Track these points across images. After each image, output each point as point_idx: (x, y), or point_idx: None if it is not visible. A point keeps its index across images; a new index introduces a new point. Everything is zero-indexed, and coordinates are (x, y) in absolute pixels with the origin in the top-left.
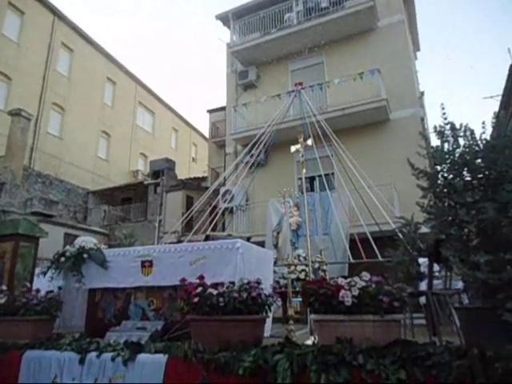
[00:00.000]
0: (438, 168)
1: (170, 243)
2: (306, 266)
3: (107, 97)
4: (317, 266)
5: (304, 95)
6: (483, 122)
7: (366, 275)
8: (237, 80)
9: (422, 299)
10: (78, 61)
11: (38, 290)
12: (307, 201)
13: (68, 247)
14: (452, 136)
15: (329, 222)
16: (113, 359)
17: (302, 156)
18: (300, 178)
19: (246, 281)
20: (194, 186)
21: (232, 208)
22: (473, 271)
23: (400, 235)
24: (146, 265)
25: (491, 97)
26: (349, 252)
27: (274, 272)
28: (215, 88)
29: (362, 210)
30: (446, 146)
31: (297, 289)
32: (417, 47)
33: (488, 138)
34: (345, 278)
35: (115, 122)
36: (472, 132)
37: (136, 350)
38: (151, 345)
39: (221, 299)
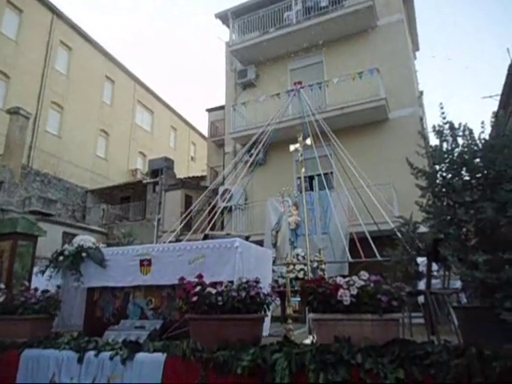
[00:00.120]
0: (437, 167)
1: (168, 242)
2: (305, 265)
3: (106, 95)
4: (315, 265)
5: (303, 94)
6: (482, 122)
7: (364, 274)
8: (236, 79)
9: (421, 298)
10: (76, 59)
11: (36, 289)
12: (306, 200)
13: (66, 246)
14: (451, 135)
15: (328, 221)
16: (111, 358)
17: (301, 155)
18: (299, 177)
19: (244, 280)
20: (193, 185)
21: (231, 207)
22: (471, 270)
23: (399, 234)
24: (145, 264)
25: (490, 96)
26: (347, 251)
27: (273, 271)
28: (214, 87)
29: (360, 209)
30: (444, 145)
31: (295, 288)
32: (416, 47)
33: (487, 137)
34: (344, 277)
35: (114, 121)
36: (471, 131)
37: (134, 348)
38: (150, 344)
39: (219, 298)
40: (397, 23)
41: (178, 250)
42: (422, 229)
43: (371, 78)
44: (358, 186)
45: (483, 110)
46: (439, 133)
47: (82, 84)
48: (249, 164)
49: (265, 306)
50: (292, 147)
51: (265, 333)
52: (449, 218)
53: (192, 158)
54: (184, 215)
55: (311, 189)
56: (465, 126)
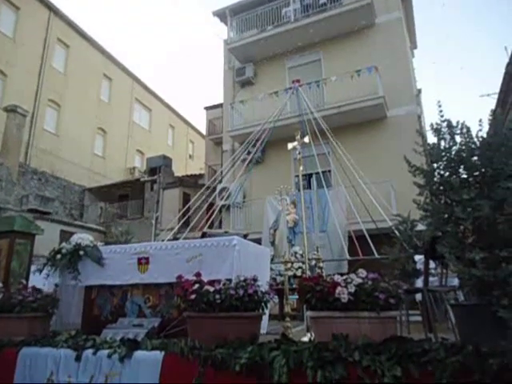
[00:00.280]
0: (435, 165)
1: (166, 240)
2: (303, 263)
3: (104, 93)
4: (313, 263)
5: (301, 92)
6: (480, 120)
7: (362, 272)
8: (234, 77)
9: (418, 296)
10: (74, 57)
11: (34, 288)
12: (304, 198)
13: (64, 244)
14: (448, 133)
15: (326, 219)
16: (109, 356)
17: (299, 153)
18: (297, 176)
19: (242, 278)
20: (191, 183)
21: (229, 205)
22: (468, 268)
23: (396, 233)
24: (143, 262)
25: (488, 95)
26: (346, 249)
27: (271, 269)
28: (212, 85)
29: (358, 207)
30: (442, 143)
31: (293, 286)
32: (414, 45)
33: (485, 135)
34: (343, 275)
35: (112, 119)
36: (468, 129)
37: (132, 347)
38: (148, 342)
39: (217, 296)
40: (395, 21)
41: (175, 248)
42: (420, 227)
43: (369, 76)
44: (356, 184)
45: (481, 108)
46: (437, 131)
47: (79, 82)
48: (247, 162)
49: (263, 304)
50: (290, 145)
51: (263, 330)
52: (446, 215)
53: (190, 156)
54: (181, 213)
55: (309, 187)
56: (462, 124)
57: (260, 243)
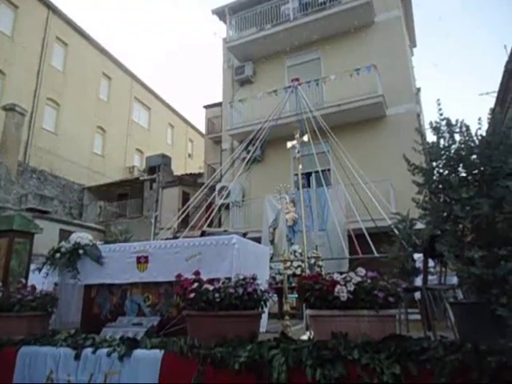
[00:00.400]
0: (434, 164)
1: (165, 239)
2: (302, 261)
3: (102, 92)
4: (313, 261)
5: (300, 91)
6: (479, 118)
7: (361, 271)
8: (233, 75)
9: (417, 294)
10: (73, 56)
11: (33, 286)
12: (303, 197)
13: (63, 243)
14: (448, 132)
15: (325, 218)
16: (109, 355)
17: (299, 152)
18: (296, 174)
19: (241, 276)
20: (190, 182)
21: (228, 204)
22: (467, 266)
23: (396, 231)
24: (142, 261)
25: (487, 93)
26: (345, 247)
27: (270, 268)
28: (212, 84)
29: (358, 206)
30: (441, 141)
31: (293, 284)
32: (413, 43)
33: (484, 134)
34: (342, 273)
35: (111, 118)
36: (468, 128)
37: (132, 345)
38: (147, 340)
39: (217, 295)
40: (394, 19)
41: (175, 247)
42: (419, 225)
43: (368, 74)
44: (356, 183)
45: (480, 106)
46: (436, 129)
47: (78, 80)
48: (246, 161)
49: (262, 303)
50: (289, 144)
51: (262, 329)
52: (445, 214)
53: (189, 155)
54: (181, 212)
55: (309, 185)
56: (462, 122)
57: (259, 242)
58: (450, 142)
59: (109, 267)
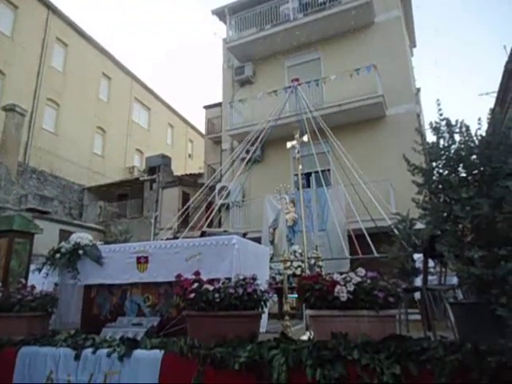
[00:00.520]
0: (434, 164)
1: (166, 239)
2: (302, 262)
3: (102, 92)
4: (313, 261)
5: (300, 91)
6: (479, 119)
7: (361, 271)
8: (233, 76)
9: (417, 294)
10: (72, 56)
11: (33, 287)
12: (303, 197)
13: (63, 243)
14: (447, 132)
15: (325, 218)
16: (108, 355)
17: (298, 152)
18: (296, 174)
19: (241, 277)
20: (190, 182)
21: (228, 204)
22: (467, 267)
23: (396, 231)
24: (142, 261)
25: (487, 93)
26: (345, 248)
27: (270, 268)
28: (211, 84)
29: (358, 206)
30: (441, 142)
31: (293, 285)
32: (413, 43)
33: (483, 134)
34: (342, 273)
35: (111, 118)
36: (467, 128)
37: (132, 345)
38: (147, 341)
39: (217, 295)
40: (394, 20)
41: (175, 247)
42: (419, 225)
43: (368, 74)
44: (356, 183)
45: (480, 106)
46: (436, 129)
47: (78, 81)
48: (246, 161)
49: (262, 303)
50: (289, 144)
51: (262, 329)
52: (445, 214)
53: (189, 156)
54: (181, 212)
55: (308, 186)
56: (461, 122)
57: (259, 242)
58: (450, 142)
59: (109, 267)
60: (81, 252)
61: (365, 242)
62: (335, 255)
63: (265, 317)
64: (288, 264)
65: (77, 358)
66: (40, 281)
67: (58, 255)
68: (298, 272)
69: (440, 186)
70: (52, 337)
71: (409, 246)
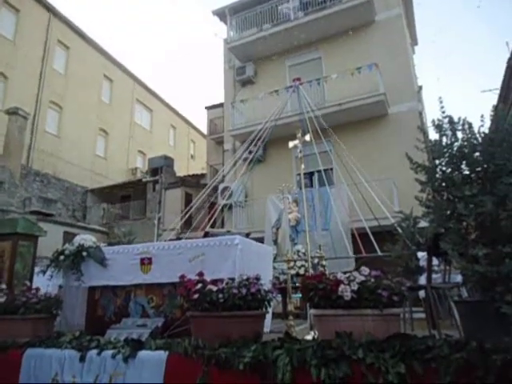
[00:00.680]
0: (437, 162)
1: (169, 240)
2: (306, 261)
3: (105, 94)
4: (316, 261)
5: (302, 91)
6: (482, 116)
7: (365, 270)
8: (234, 76)
9: (422, 293)
10: (74, 58)
11: (37, 289)
12: (306, 196)
13: (67, 245)
14: (450, 130)
15: (328, 217)
16: (113, 356)
17: (301, 152)
18: (299, 174)
19: (245, 277)
20: (193, 183)
21: (231, 204)
22: (471, 264)
23: (399, 230)
24: (145, 262)
25: (490, 90)
26: (349, 247)
27: (274, 268)
28: (213, 84)
29: (361, 205)
30: (444, 139)
31: (296, 284)
32: (414, 41)
33: (486, 131)
34: (346, 273)
35: (113, 120)
36: (470, 125)
37: (136, 347)
38: (152, 342)
39: (220, 295)
40: (395, 18)
41: (178, 248)
42: (422, 223)
43: (370, 73)
44: (358, 182)
45: (483, 103)
46: (438, 127)
47: (80, 83)
48: (248, 161)
49: (266, 303)
50: (291, 144)
51: (266, 329)
52: (449, 212)
53: (192, 156)
54: (184, 213)
55: (311, 185)
56: (464, 120)
57: (262, 242)
58: (453, 140)
59: (112, 269)
60: (85, 254)
61: (368, 241)
62: (338, 254)
63: (269, 317)
64: (291, 264)
65: (82, 359)
66: (45, 283)
67: (62, 257)
68: (302, 271)
69: (443, 184)
70: (57, 338)
71: (412, 245)
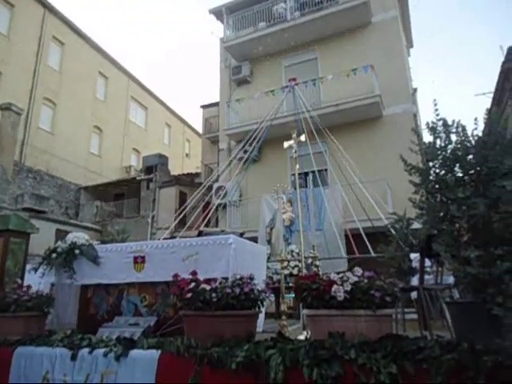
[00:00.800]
0: (430, 164)
1: (163, 239)
2: (299, 261)
3: (99, 91)
4: (310, 261)
5: (298, 91)
6: (475, 119)
7: (358, 270)
8: (230, 75)
9: (414, 294)
10: (69, 55)
11: (29, 287)
12: (300, 197)
13: (59, 243)
14: (444, 132)
15: (322, 217)
16: (105, 355)
17: (296, 152)
18: (293, 174)
19: (238, 276)
20: (188, 181)
21: (225, 204)
22: (464, 266)
23: (392, 231)
24: (139, 260)
25: (483, 93)
26: (342, 247)
27: (268, 268)
28: (209, 83)
29: (355, 205)
30: (438, 142)
31: (290, 284)
32: (410, 44)
33: (480, 134)
34: (339, 273)
35: (107, 117)
36: (464, 128)
37: (128, 345)
38: (144, 340)
39: (214, 295)
40: (391, 20)
41: (171, 247)
42: (416, 225)
43: (365, 74)
44: (352, 183)
45: (477, 106)
46: (432, 129)
47: (74, 80)
48: (243, 161)
49: (259, 303)
50: (286, 144)
51: (259, 329)
52: (442, 214)
53: (186, 155)
54: (178, 212)
55: (306, 185)
56: (458, 122)
57: (256, 242)
58: (447, 142)
59: (105, 267)
60: (77, 252)
61: (362, 242)
62: (332, 255)
63: (262, 316)
64: (285, 264)
65: (73, 358)
66: (36, 281)
67: (54, 255)
68: (295, 272)
69: (437, 186)
70: (48, 337)
71: (405, 246)
